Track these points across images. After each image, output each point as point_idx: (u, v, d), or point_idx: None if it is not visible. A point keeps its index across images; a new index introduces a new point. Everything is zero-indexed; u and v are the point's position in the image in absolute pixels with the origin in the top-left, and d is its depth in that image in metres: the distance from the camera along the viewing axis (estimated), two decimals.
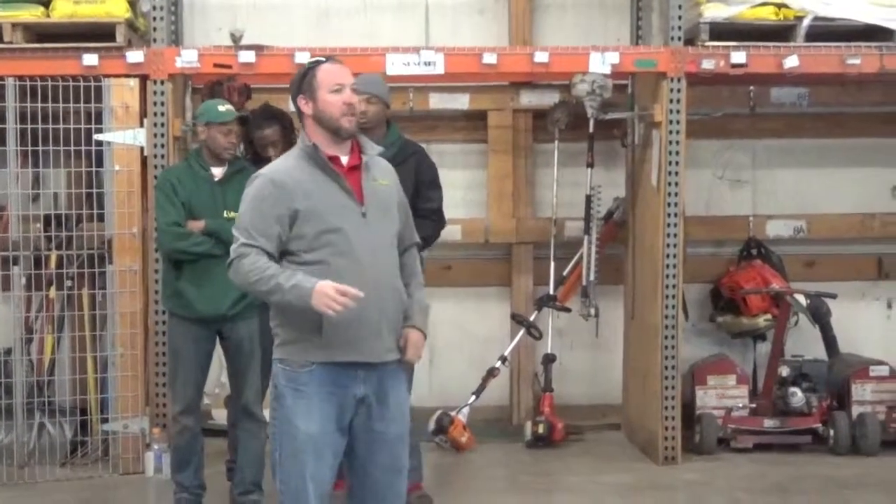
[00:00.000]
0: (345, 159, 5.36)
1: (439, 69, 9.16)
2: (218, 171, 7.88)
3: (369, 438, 5.37)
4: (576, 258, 10.17)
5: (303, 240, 5.22)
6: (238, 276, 5.26)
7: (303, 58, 8.79)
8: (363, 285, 5.15)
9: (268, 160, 6.95)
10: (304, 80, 5.36)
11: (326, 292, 5.00)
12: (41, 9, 8.93)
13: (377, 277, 5.28)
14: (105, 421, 9.06)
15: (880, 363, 9.94)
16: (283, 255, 5.26)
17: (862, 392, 9.79)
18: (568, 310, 10.19)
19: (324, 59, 5.48)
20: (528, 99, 10.48)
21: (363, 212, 5.28)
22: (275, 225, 5.21)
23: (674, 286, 9.21)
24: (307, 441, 5.26)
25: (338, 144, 5.35)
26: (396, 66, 9.11)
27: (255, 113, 8.51)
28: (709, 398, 9.81)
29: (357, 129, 5.42)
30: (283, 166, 5.37)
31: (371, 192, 5.35)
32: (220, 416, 9.14)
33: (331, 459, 5.33)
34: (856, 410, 9.71)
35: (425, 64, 9.15)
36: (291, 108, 9.01)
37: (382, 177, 5.48)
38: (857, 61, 9.15)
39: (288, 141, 8.11)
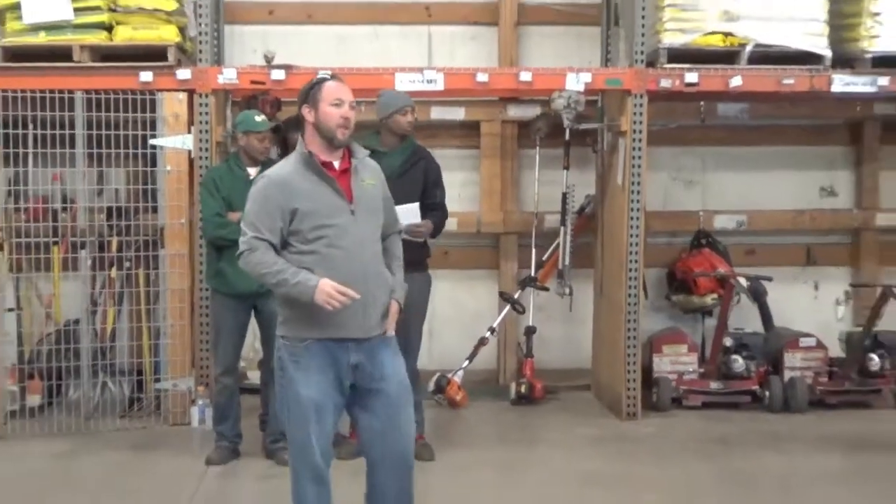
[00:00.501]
0: (336, 164, 5.37)
1: (439, 86, 9.15)
2: (253, 171, 7.89)
3: (370, 397, 5.38)
4: (553, 246, 10.16)
5: (300, 234, 5.24)
6: (248, 266, 5.28)
7: (324, 75, 8.80)
8: (352, 272, 5.23)
9: None
10: (310, 93, 5.37)
11: (327, 290, 5.08)
12: (105, 33, 8.93)
13: (364, 265, 5.32)
14: (157, 380, 9.04)
15: (808, 335, 9.96)
16: (282, 246, 5.27)
17: (793, 359, 9.82)
18: (546, 289, 10.20)
19: (329, 76, 5.48)
20: (514, 111, 10.46)
21: (352, 209, 5.30)
22: (278, 220, 5.23)
23: (635, 270, 9.22)
24: (309, 405, 5.27)
25: (331, 151, 5.36)
26: (403, 83, 9.10)
27: (287, 121, 8.49)
28: (664, 364, 9.82)
29: (349, 141, 5.39)
30: (284, 170, 5.36)
31: (359, 192, 5.36)
32: (255, 376, 9.14)
33: (331, 418, 5.36)
34: (787, 375, 9.72)
35: (428, 82, 9.14)
36: None
37: (370, 177, 5.49)
38: (790, 81, 9.15)
39: None
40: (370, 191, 5.45)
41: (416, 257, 7.52)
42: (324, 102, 5.32)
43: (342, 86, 5.40)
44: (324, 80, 5.42)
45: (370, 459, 5.48)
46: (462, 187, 10.70)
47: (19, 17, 8.84)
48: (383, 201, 5.53)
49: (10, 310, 9.09)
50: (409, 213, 7.50)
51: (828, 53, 9.21)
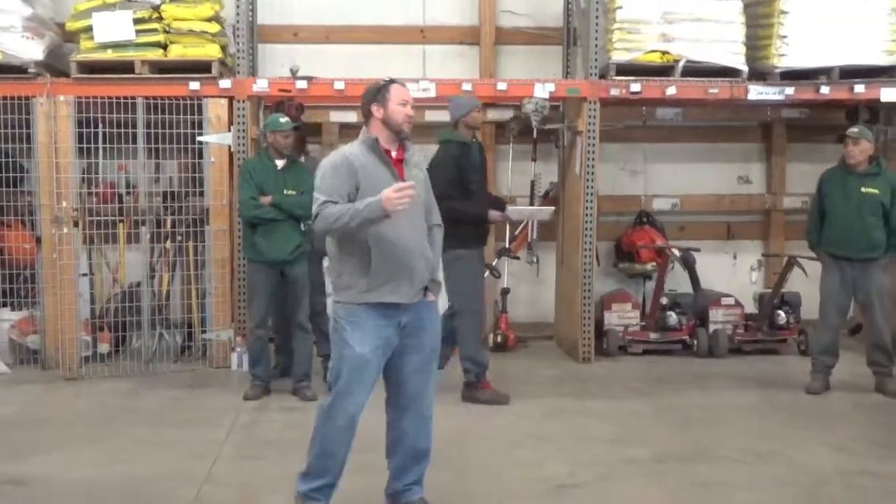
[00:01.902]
0: (394, 153, 5.22)
1: (432, 94, 9.11)
2: (280, 163, 7.88)
3: (410, 350, 5.22)
4: (523, 223, 10.13)
5: None
6: (323, 221, 4.97)
7: (340, 85, 8.81)
8: (402, 245, 5.08)
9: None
10: (379, 92, 5.20)
11: (390, 196, 4.82)
12: (161, 50, 8.90)
13: (412, 240, 5.15)
14: (204, 332, 9.01)
15: (728, 296, 9.95)
16: None
17: (716, 315, 9.79)
18: (518, 258, 10.17)
19: (392, 79, 5.31)
20: (492, 114, 10.37)
21: None
22: (346, 188, 5.04)
23: (590, 242, 9.20)
24: (362, 361, 5.11)
25: (392, 143, 5.21)
26: None
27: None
28: (613, 318, 9.78)
29: (409, 134, 5.25)
30: (351, 151, 5.17)
31: (410, 179, 5.16)
32: None
33: (376, 374, 5.20)
34: (711, 327, 9.70)
35: (423, 90, 9.09)
36: (331, 119, 9.10)
37: (418, 170, 5.34)
38: (715, 91, 9.13)
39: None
40: (419, 181, 5.26)
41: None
42: (392, 102, 5.16)
43: (405, 89, 5.27)
44: (391, 83, 5.26)
45: (399, 404, 5.33)
46: None
47: (91, 38, 8.83)
48: (425, 193, 5.32)
49: (84, 275, 9.08)
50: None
51: (745, 68, 9.19)
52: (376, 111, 5.19)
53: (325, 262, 5.38)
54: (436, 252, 5.39)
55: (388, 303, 5.11)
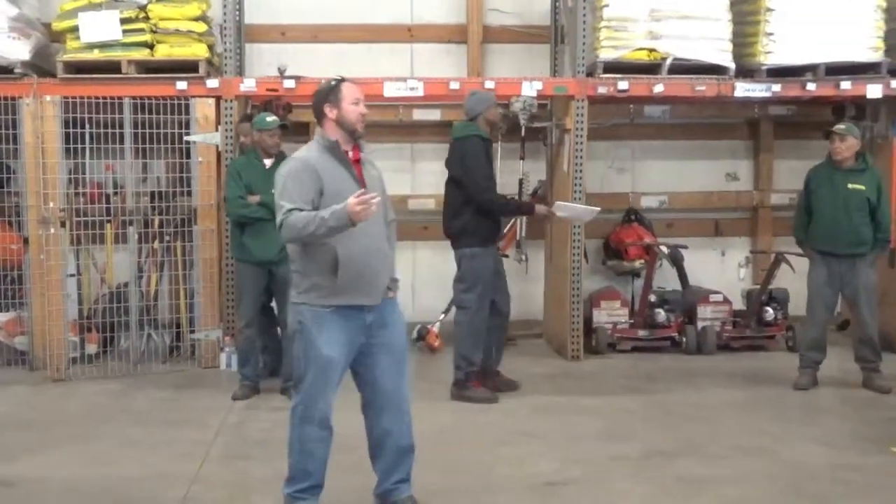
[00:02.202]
0: (350, 154, 5.19)
1: (420, 93, 9.13)
2: (268, 162, 7.87)
3: (377, 350, 5.22)
4: (512, 221, 10.11)
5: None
6: (289, 230, 4.92)
7: (338, 78, 8.77)
8: (366, 247, 5.06)
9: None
10: (331, 92, 5.16)
11: (354, 205, 4.76)
12: (147, 50, 8.89)
13: (375, 242, 5.14)
14: (192, 332, 9.00)
15: (716, 293, 9.96)
16: None
17: (704, 312, 9.80)
18: (506, 256, 10.09)
19: (342, 77, 5.29)
20: None
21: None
22: (311, 194, 4.99)
23: (578, 240, 9.22)
24: (328, 362, 5.12)
25: (347, 143, 5.17)
26: (391, 90, 9.09)
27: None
28: (602, 316, 9.80)
29: (364, 133, 5.23)
30: (311, 155, 5.11)
31: (369, 180, 5.21)
32: None
33: (341, 373, 5.21)
34: (700, 324, 9.72)
35: (410, 89, 9.12)
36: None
37: (374, 169, 5.34)
38: (702, 88, 9.15)
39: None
40: (376, 179, 5.29)
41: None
42: (345, 101, 5.13)
43: (357, 87, 5.23)
44: (341, 81, 5.23)
45: (375, 403, 5.32)
46: (439, 175, 10.53)
47: (77, 38, 8.81)
48: (382, 193, 5.26)
49: (72, 275, 9.05)
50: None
51: (732, 66, 9.20)
52: (329, 112, 5.15)
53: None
54: (393, 247, 5.41)
55: (354, 305, 5.10)
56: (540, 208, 8.23)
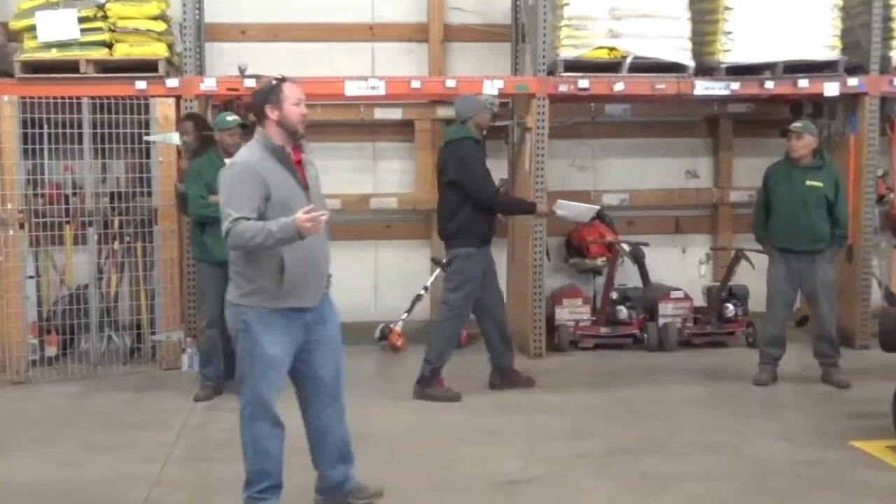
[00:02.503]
0: (292, 155, 5.19)
1: (381, 91, 9.13)
2: (229, 161, 7.77)
3: (316, 346, 5.25)
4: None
5: (267, 216, 4.97)
6: (236, 239, 4.89)
7: (279, 78, 8.72)
8: (311, 249, 5.06)
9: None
10: (272, 93, 5.12)
11: (303, 219, 4.79)
12: (106, 49, 8.83)
13: (319, 244, 5.14)
14: (153, 333, 8.95)
15: (677, 289, 10.02)
16: None
17: (665, 308, 9.86)
18: None
19: (283, 77, 5.24)
20: (442, 111, 10.35)
21: (308, 196, 5.12)
22: (257, 200, 4.96)
23: (540, 238, 9.24)
24: (274, 362, 5.14)
25: (287, 143, 5.15)
26: (352, 89, 9.08)
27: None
28: (564, 313, 9.83)
29: (305, 133, 5.23)
30: (253, 158, 5.06)
31: (311, 181, 5.23)
32: None
33: (285, 372, 5.24)
34: (661, 321, 9.78)
35: (371, 88, 9.11)
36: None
37: (313, 168, 5.34)
38: (662, 86, 9.21)
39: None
40: (316, 180, 5.30)
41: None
42: (287, 102, 5.10)
43: (298, 87, 5.20)
44: (282, 81, 5.19)
45: (316, 399, 5.37)
46: (401, 173, 10.67)
47: (35, 37, 8.73)
48: (318, 191, 5.31)
49: (31, 277, 8.98)
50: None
51: (691, 64, 9.28)
52: (271, 112, 5.11)
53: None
54: (328, 244, 5.41)
55: (298, 307, 5.13)
56: (541, 207, 8.31)
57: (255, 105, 5.20)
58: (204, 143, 8.09)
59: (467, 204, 7.81)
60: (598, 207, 8.51)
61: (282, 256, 4.98)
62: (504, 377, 8.18)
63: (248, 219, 4.90)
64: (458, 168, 7.81)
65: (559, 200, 8.60)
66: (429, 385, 7.91)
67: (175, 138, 8.74)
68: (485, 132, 8.12)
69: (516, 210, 8.62)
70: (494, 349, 8.17)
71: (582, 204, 8.87)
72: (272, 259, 5.00)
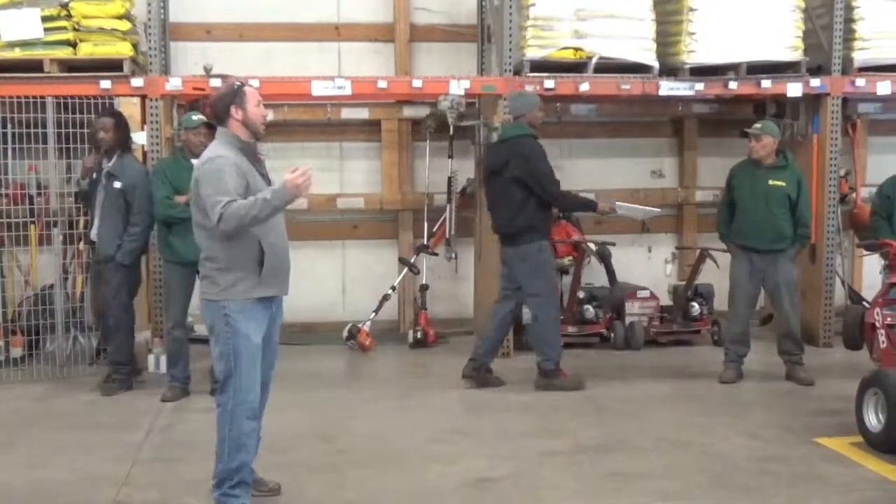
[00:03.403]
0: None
1: (348, 91, 9.14)
2: (196, 161, 7.75)
3: (266, 341, 5.39)
4: (441, 219, 10.19)
5: None
6: (232, 218, 5.01)
7: (254, 83, 8.64)
8: (281, 241, 5.36)
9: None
10: (236, 94, 5.31)
11: (293, 179, 5.02)
12: (70, 49, 8.78)
13: (283, 236, 5.41)
14: None
15: (644, 288, 10.10)
16: None
17: (632, 307, 9.94)
18: (436, 254, 10.24)
19: (241, 82, 5.44)
20: (408, 111, 10.42)
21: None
22: (241, 190, 5.13)
23: None
24: (255, 352, 5.29)
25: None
26: (318, 89, 9.08)
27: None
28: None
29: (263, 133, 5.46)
30: (228, 154, 5.23)
31: (271, 178, 5.44)
32: (201, 329, 8.98)
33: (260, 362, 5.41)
34: (628, 320, 9.86)
35: (338, 88, 9.12)
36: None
37: (266, 169, 5.54)
38: (627, 87, 9.27)
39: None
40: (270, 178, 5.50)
41: None
42: (250, 103, 5.32)
43: (256, 91, 5.44)
44: (243, 85, 5.39)
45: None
46: (367, 173, 10.68)
47: None
48: None
49: None
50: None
51: (656, 64, 9.35)
52: (235, 113, 5.31)
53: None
54: None
55: (271, 295, 5.34)
56: (602, 205, 8.34)
57: (219, 106, 5.37)
58: (120, 143, 8.06)
59: (532, 200, 7.97)
60: (658, 210, 8.48)
61: (260, 244, 5.18)
62: (478, 372, 8.26)
63: (234, 200, 5.06)
64: (524, 165, 7.96)
65: (618, 202, 8.63)
66: (553, 376, 8.12)
67: (141, 137, 8.72)
68: (537, 129, 8.22)
69: (579, 206, 8.65)
70: (489, 342, 8.34)
71: (641, 206, 8.92)
72: (251, 248, 5.18)
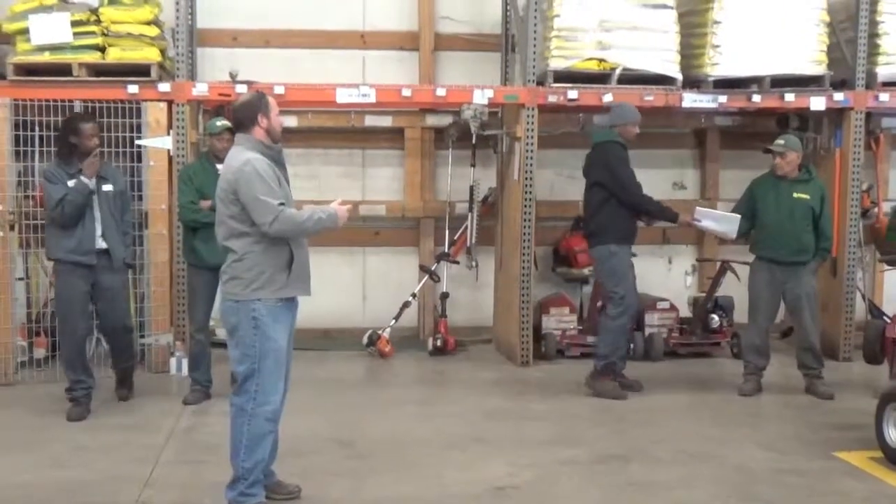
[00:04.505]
0: None
1: (372, 99, 9.17)
2: (220, 167, 7.79)
3: (289, 346, 5.54)
4: (462, 228, 10.22)
5: None
6: (287, 223, 5.25)
7: (280, 90, 8.80)
8: (304, 245, 5.54)
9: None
10: (262, 103, 5.48)
11: (344, 212, 5.49)
12: (99, 53, 8.85)
13: (305, 240, 5.59)
14: (143, 336, 8.96)
15: (664, 300, 10.10)
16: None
17: (651, 319, 9.95)
18: (457, 262, 10.27)
19: (262, 92, 5.70)
20: (431, 120, 10.46)
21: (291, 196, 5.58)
22: (281, 191, 5.36)
23: (528, 247, 9.30)
24: (283, 354, 5.43)
25: None
26: (343, 96, 9.13)
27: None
28: (551, 322, 9.90)
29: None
30: (262, 159, 5.38)
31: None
32: (223, 333, 9.01)
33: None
34: (647, 331, 9.88)
35: (362, 95, 9.16)
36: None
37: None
38: (651, 98, 9.29)
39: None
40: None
41: None
42: (273, 112, 5.51)
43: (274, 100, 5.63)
44: (265, 94, 5.60)
45: None
46: (390, 181, 10.72)
47: (28, 40, 8.75)
48: None
49: (21, 279, 9.02)
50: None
51: (679, 76, 9.37)
52: (262, 120, 5.46)
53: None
54: None
55: (296, 296, 5.52)
56: (684, 217, 8.41)
57: (247, 113, 5.49)
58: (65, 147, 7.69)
59: (609, 203, 8.15)
60: (738, 216, 8.35)
61: (290, 248, 5.39)
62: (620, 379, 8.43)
63: (283, 204, 5.28)
64: (604, 170, 8.15)
65: (698, 208, 8.72)
66: (597, 379, 8.22)
67: (167, 142, 8.79)
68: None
69: (660, 214, 8.49)
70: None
71: (723, 212, 8.75)
72: (282, 251, 5.37)
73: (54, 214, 7.36)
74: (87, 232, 7.45)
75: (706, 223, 8.49)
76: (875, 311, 10.19)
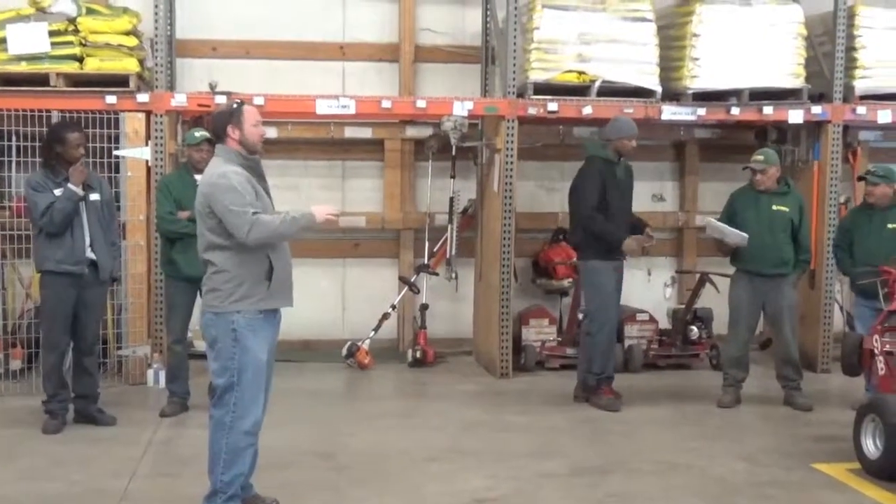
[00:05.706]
0: None
1: (352, 111, 9.17)
2: (199, 178, 7.72)
3: (270, 358, 5.49)
4: (442, 239, 10.21)
5: None
6: (263, 229, 5.18)
7: (259, 101, 8.75)
8: (285, 255, 5.49)
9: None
10: (233, 115, 5.42)
11: (326, 214, 5.44)
12: (77, 63, 8.80)
13: (287, 251, 5.55)
14: (119, 348, 8.92)
15: (643, 311, 10.11)
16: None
17: (631, 330, 9.95)
18: (437, 274, 10.25)
19: (241, 102, 5.60)
20: (411, 131, 10.44)
21: (272, 204, 5.53)
22: (254, 202, 5.28)
23: (508, 259, 9.30)
24: (263, 367, 5.38)
25: None
26: (323, 107, 9.12)
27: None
28: (530, 334, 9.88)
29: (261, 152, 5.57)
30: (237, 170, 5.34)
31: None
32: (201, 345, 8.96)
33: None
34: (627, 342, 9.86)
35: (342, 107, 9.16)
36: None
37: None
38: (630, 110, 9.27)
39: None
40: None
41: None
42: (247, 123, 5.42)
43: (256, 110, 5.54)
44: (242, 104, 5.52)
45: None
46: (370, 192, 10.69)
47: (4, 49, 8.70)
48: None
49: None
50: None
51: (659, 89, 9.41)
52: (232, 132, 5.41)
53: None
54: None
55: (278, 308, 5.46)
56: (629, 243, 8.11)
57: (216, 125, 5.51)
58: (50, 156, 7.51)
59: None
60: (745, 235, 8.16)
61: (270, 259, 5.32)
62: (586, 391, 8.42)
63: (258, 211, 5.23)
64: (573, 182, 8.29)
65: (708, 219, 8.73)
66: (594, 393, 8.24)
67: (146, 153, 8.75)
68: (621, 158, 8.26)
69: (609, 238, 8.12)
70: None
71: (730, 229, 8.39)
72: (261, 262, 5.30)
73: (42, 223, 7.23)
74: (76, 242, 7.31)
75: (710, 232, 8.54)
76: (853, 322, 10.22)
